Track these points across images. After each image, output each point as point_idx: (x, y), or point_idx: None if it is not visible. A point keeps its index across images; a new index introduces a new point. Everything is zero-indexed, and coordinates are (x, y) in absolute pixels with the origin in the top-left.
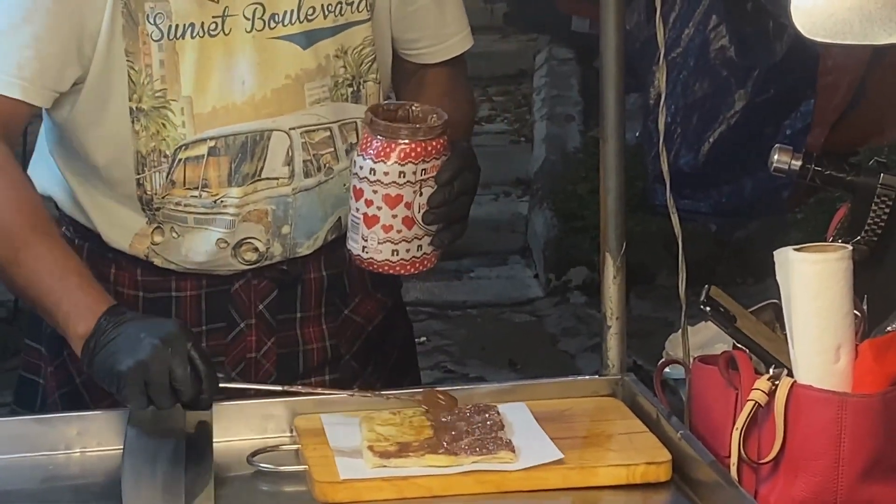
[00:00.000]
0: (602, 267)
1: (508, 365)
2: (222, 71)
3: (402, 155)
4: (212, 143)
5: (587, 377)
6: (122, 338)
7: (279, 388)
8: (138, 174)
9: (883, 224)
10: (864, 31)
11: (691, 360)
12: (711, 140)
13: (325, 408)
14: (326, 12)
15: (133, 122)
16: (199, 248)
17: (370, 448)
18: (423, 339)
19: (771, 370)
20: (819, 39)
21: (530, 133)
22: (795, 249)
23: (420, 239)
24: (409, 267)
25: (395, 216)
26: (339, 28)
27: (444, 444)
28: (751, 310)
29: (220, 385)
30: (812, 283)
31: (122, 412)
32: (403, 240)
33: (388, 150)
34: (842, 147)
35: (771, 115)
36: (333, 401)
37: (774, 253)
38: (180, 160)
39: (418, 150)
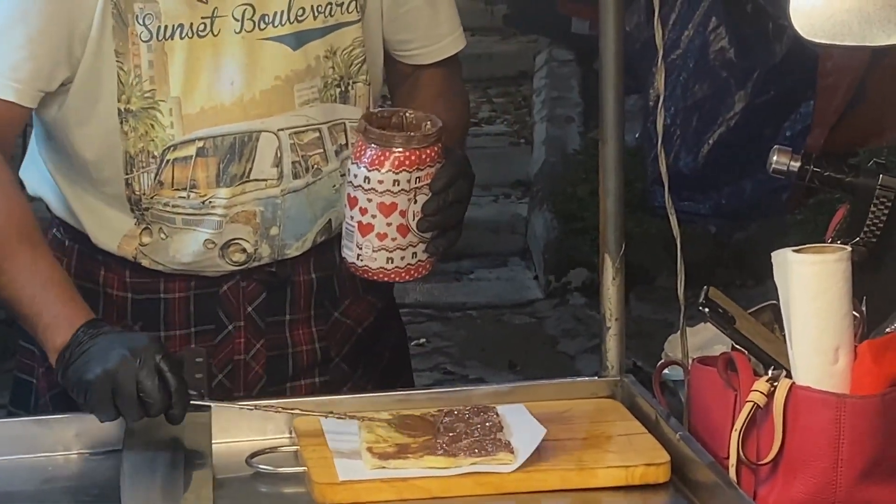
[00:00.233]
0: (601, 268)
1: (508, 366)
2: (211, 72)
3: (397, 163)
4: (200, 144)
5: (586, 378)
6: (95, 349)
7: (252, 404)
8: (127, 174)
9: (882, 225)
10: (862, 33)
11: (690, 361)
12: (711, 141)
13: (324, 408)
14: (316, 13)
15: (122, 122)
16: (187, 248)
17: (369, 449)
18: (422, 340)
19: (770, 371)
20: (818, 41)
21: (530, 135)
22: (794, 251)
23: (415, 246)
24: (403, 274)
25: (389, 224)
26: (329, 29)
27: (443, 445)
28: (750, 311)
29: (192, 402)
30: (811, 285)
31: None
32: (398, 247)
33: (382, 158)
34: (841, 148)
35: (770, 117)
36: (331, 402)
37: (773, 254)
38: (168, 161)
39: (413, 158)
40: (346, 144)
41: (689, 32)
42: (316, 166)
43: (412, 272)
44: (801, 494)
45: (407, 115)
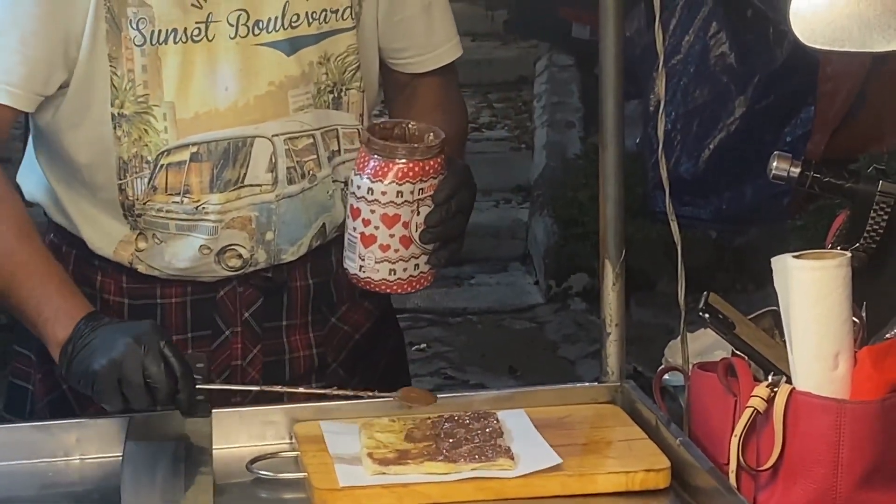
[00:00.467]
0: (602, 274)
1: (508, 372)
2: (205, 77)
3: (400, 174)
4: (194, 149)
5: (586, 384)
6: (98, 340)
7: (256, 387)
8: (120, 179)
9: (882, 231)
10: (862, 39)
11: (690, 366)
12: (711, 147)
13: (325, 415)
14: (311, 20)
15: (115, 127)
16: (182, 254)
17: (370, 455)
18: (423, 345)
19: (770, 377)
20: (818, 47)
21: (531, 140)
22: (794, 257)
23: (417, 258)
24: (405, 286)
25: (392, 235)
26: (323, 35)
27: (444, 451)
28: (750, 317)
29: (198, 386)
30: (811, 291)
31: (121, 419)
32: (401, 259)
33: (385, 169)
34: (842, 153)
35: (771, 122)
36: (332, 408)
37: (773, 260)
38: (162, 166)
39: (416, 169)
40: (339, 150)
41: (689, 38)
42: (310, 172)
43: (414, 284)
44: (801, 500)
45: (409, 126)
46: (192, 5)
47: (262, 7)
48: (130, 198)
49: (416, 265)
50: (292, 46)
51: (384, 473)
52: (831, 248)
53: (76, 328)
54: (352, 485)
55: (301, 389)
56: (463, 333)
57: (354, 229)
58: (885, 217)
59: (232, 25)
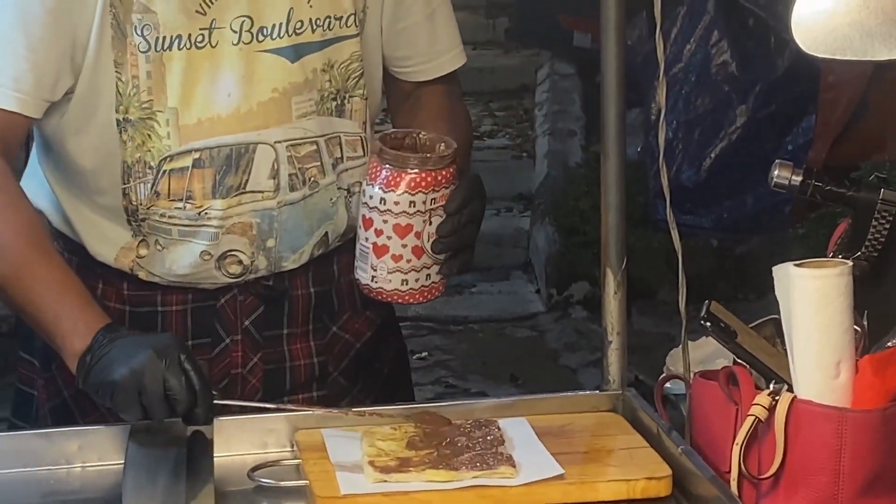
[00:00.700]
0: (603, 282)
1: (510, 380)
2: (208, 83)
3: (412, 184)
4: (196, 155)
5: (587, 392)
6: (117, 350)
7: (274, 406)
8: (124, 184)
9: (883, 240)
10: (864, 47)
11: (692, 375)
12: (713, 155)
13: (326, 423)
14: (315, 26)
15: (120, 132)
16: (183, 260)
17: (371, 463)
18: (424, 353)
19: (771, 385)
20: (820, 55)
21: (532, 148)
22: (795, 265)
23: (429, 268)
24: (417, 296)
25: (404, 246)
26: (327, 42)
27: (445, 459)
28: (751, 325)
29: (215, 402)
30: (812, 299)
31: (123, 427)
32: (412, 269)
33: (397, 179)
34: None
35: (772, 131)
36: (334, 416)
37: (774, 269)
38: (165, 171)
39: (428, 179)
40: (342, 158)
41: (690, 46)
42: (313, 179)
43: (426, 293)
44: None
45: (420, 136)
46: (197, 12)
47: (266, 14)
48: (134, 203)
49: (428, 275)
50: (296, 53)
51: (386, 481)
52: (833, 257)
53: (94, 339)
54: (353, 493)
55: (318, 410)
56: (464, 342)
57: (366, 239)
58: (887, 225)
59: (236, 32)
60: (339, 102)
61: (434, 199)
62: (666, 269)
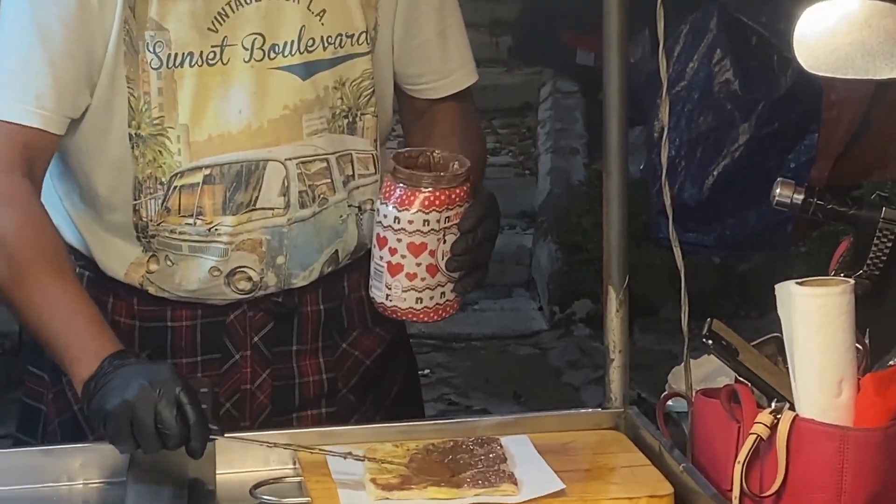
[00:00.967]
0: (605, 300)
1: (512, 397)
2: (219, 100)
3: (426, 203)
4: (207, 172)
5: (589, 410)
6: (117, 380)
7: (272, 444)
8: (135, 200)
9: (885, 258)
10: (866, 66)
11: (694, 393)
12: (716, 173)
13: (328, 440)
14: (326, 44)
15: (133, 147)
16: (193, 276)
17: (373, 481)
18: (426, 371)
19: (773, 404)
20: (822, 74)
21: (535, 166)
22: (797, 283)
23: (443, 286)
24: (432, 314)
25: (419, 264)
26: (339, 60)
27: (447, 476)
28: (753, 343)
29: (212, 437)
30: (814, 317)
31: None
32: (427, 287)
33: (411, 198)
34: (846, 180)
35: (775, 149)
36: (336, 433)
37: (776, 287)
38: (175, 187)
39: (442, 198)
40: (353, 175)
41: (693, 65)
42: (322, 196)
43: (440, 312)
44: None
45: (434, 154)
46: (209, 29)
47: (277, 31)
48: (144, 219)
49: (443, 293)
50: (307, 71)
51: (388, 499)
52: (835, 275)
53: (100, 366)
54: None
55: (325, 449)
56: (467, 359)
57: (381, 258)
58: (889, 244)
59: (247, 49)
60: (350, 120)
61: (448, 217)
62: (668, 286)
